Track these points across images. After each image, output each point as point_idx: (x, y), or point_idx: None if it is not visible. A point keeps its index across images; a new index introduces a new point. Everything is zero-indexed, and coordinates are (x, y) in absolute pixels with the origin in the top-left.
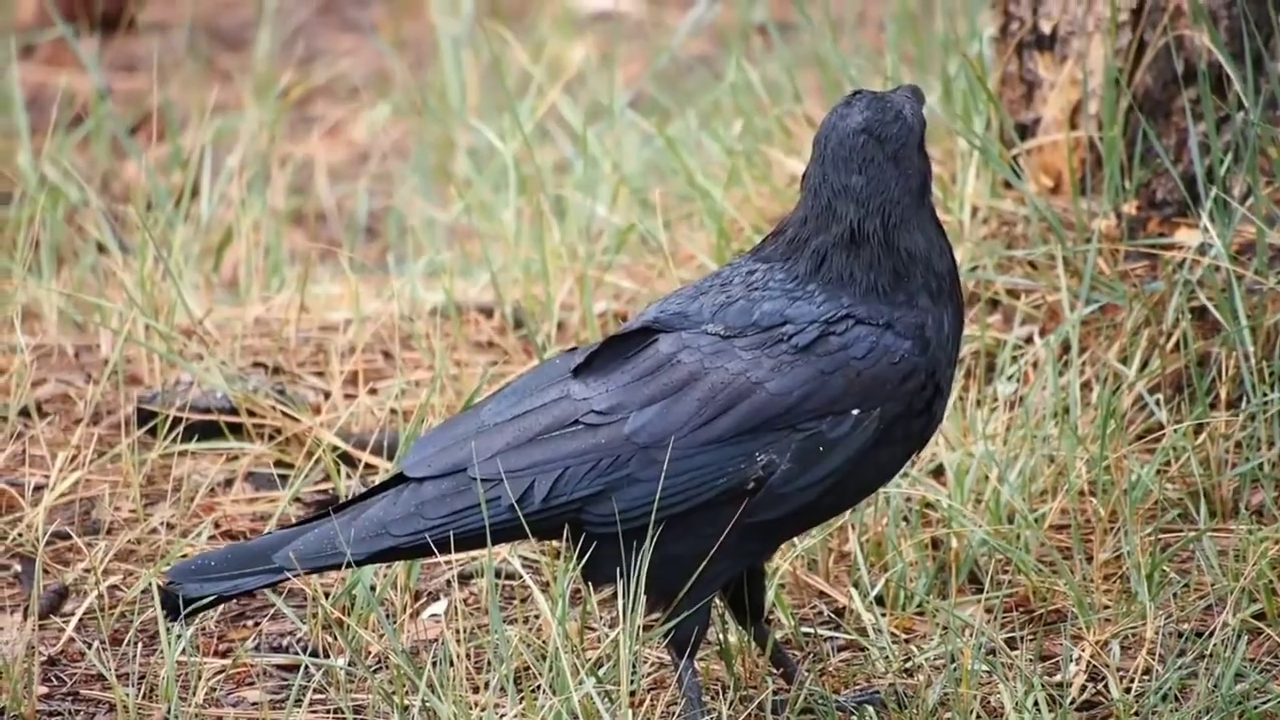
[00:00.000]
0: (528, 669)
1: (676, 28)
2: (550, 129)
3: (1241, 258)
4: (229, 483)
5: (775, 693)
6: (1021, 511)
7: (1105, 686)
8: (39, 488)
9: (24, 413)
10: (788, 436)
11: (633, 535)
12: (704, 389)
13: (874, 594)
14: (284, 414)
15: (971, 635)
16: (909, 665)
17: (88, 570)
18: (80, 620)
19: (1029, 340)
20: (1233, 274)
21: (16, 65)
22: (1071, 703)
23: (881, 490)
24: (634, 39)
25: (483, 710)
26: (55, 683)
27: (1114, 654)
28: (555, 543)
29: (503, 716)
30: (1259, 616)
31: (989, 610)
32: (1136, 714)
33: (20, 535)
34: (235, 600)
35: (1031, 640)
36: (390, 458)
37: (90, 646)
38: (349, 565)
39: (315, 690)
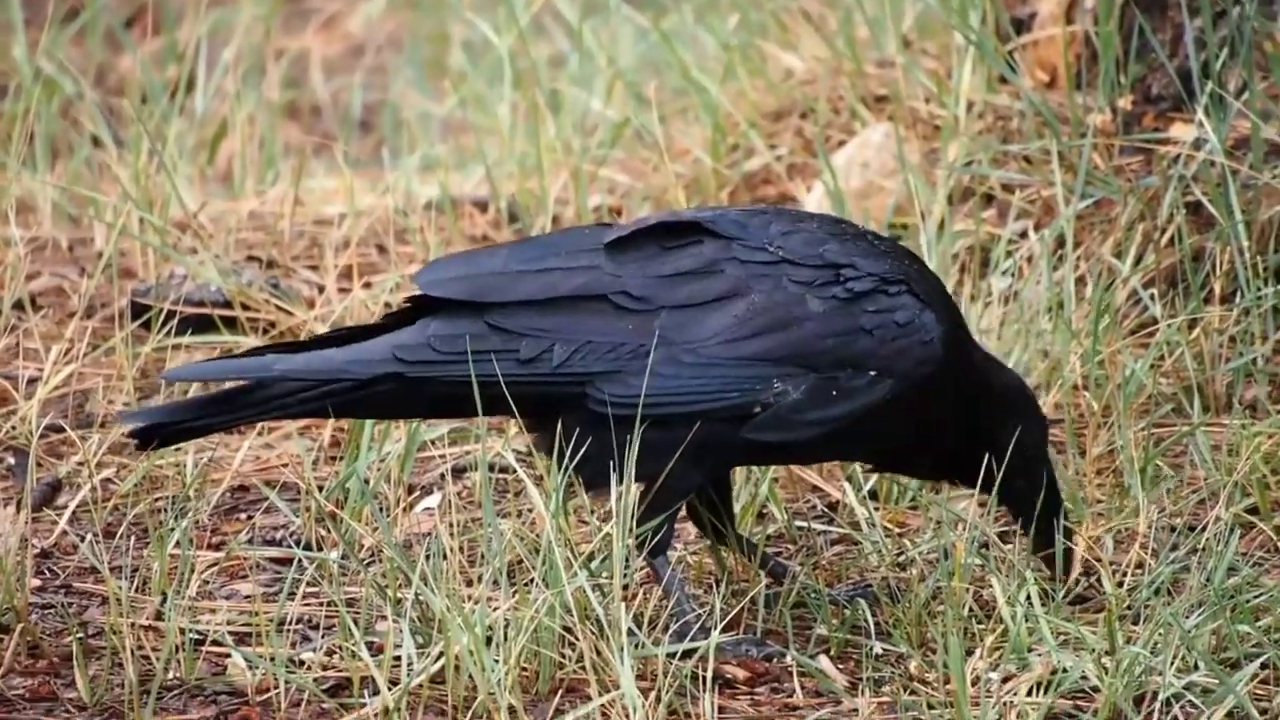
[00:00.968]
0: (520, 562)
1: None
2: (545, 22)
3: (1237, 153)
4: None
5: (768, 586)
6: None
7: (1098, 581)
8: (33, 381)
9: (18, 306)
10: (807, 375)
11: (627, 426)
12: (742, 307)
13: (867, 488)
14: (278, 308)
15: (964, 530)
16: (901, 559)
17: (81, 463)
18: (73, 513)
19: (1024, 235)
20: (1227, 169)
21: None
22: (1064, 596)
23: None
24: None
25: (475, 603)
26: (48, 575)
27: (1107, 548)
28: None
29: (495, 610)
30: (1252, 511)
31: (982, 504)
32: (1129, 608)
33: (14, 428)
34: (221, 424)
35: (1024, 535)
36: None
37: (83, 539)
38: (346, 386)
39: (308, 583)
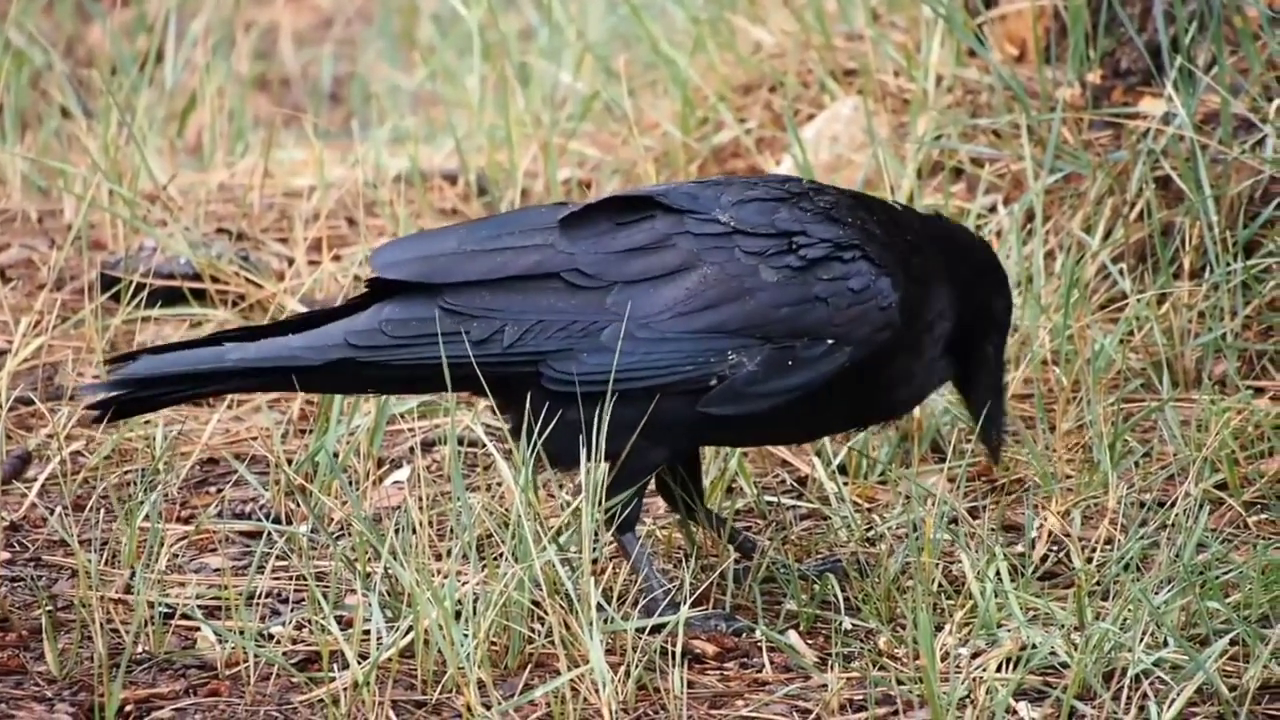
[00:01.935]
0: (490, 537)
1: None
2: None
3: (1206, 127)
4: None
5: (737, 561)
6: None
7: (1067, 556)
8: (2, 353)
9: None
10: (762, 345)
11: (590, 402)
12: (694, 280)
13: (836, 463)
14: (248, 280)
15: (934, 504)
16: (871, 534)
17: (50, 436)
18: (43, 486)
19: (993, 209)
20: (1197, 143)
21: None
22: (1033, 572)
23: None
24: None
25: (444, 577)
26: (18, 548)
27: (1076, 523)
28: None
29: (465, 584)
30: (1221, 486)
31: (951, 479)
32: (1098, 584)
33: None
34: (178, 396)
35: (993, 509)
36: None
37: (53, 512)
38: (300, 371)
39: (277, 557)
